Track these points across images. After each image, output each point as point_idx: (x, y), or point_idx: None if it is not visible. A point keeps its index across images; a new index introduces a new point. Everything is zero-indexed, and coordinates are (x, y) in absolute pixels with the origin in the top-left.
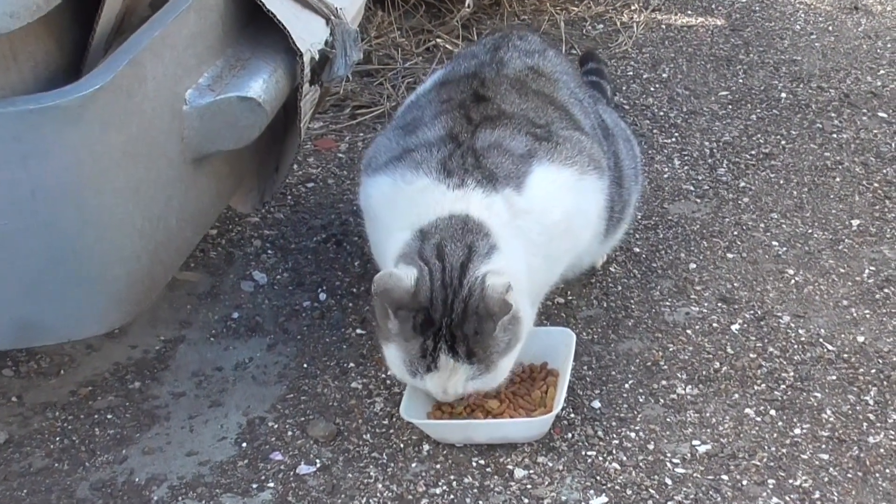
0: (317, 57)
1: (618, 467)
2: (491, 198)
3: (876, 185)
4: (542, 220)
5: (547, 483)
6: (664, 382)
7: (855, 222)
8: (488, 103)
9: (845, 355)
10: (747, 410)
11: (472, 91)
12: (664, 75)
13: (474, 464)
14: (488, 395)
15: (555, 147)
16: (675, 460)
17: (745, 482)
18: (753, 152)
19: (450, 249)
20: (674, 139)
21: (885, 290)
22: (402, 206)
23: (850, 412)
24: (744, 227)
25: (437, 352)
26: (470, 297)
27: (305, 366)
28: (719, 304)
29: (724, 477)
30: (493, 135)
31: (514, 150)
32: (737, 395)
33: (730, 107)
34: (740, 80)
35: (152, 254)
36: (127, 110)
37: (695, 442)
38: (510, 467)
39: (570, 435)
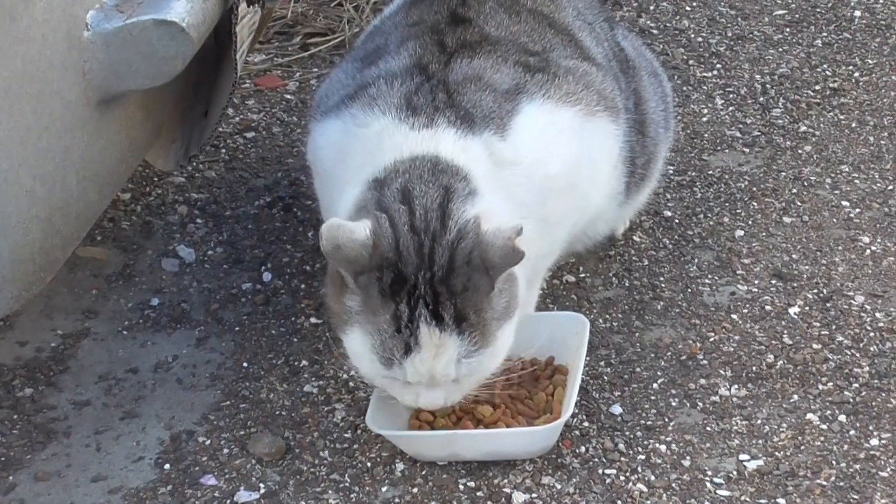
0: None
1: (644, 489)
2: (467, 140)
3: None
4: (533, 174)
5: None
6: (703, 381)
7: None
8: (468, 26)
9: None
10: (810, 416)
11: (449, 11)
12: None
13: (461, 487)
14: (478, 399)
15: (552, 80)
16: (717, 480)
17: None
18: (818, 88)
19: (419, 191)
20: (715, 72)
21: None
22: (354, 157)
23: None
24: (805, 184)
25: (417, 320)
26: (459, 240)
27: (245, 365)
28: (773, 282)
29: (781, 501)
30: (471, 65)
31: (498, 84)
32: (796, 397)
33: (787, 30)
34: None
35: (46, 222)
36: (9, 38)
37: (743, 456)
38: (507, 490)
39: (583, 448)
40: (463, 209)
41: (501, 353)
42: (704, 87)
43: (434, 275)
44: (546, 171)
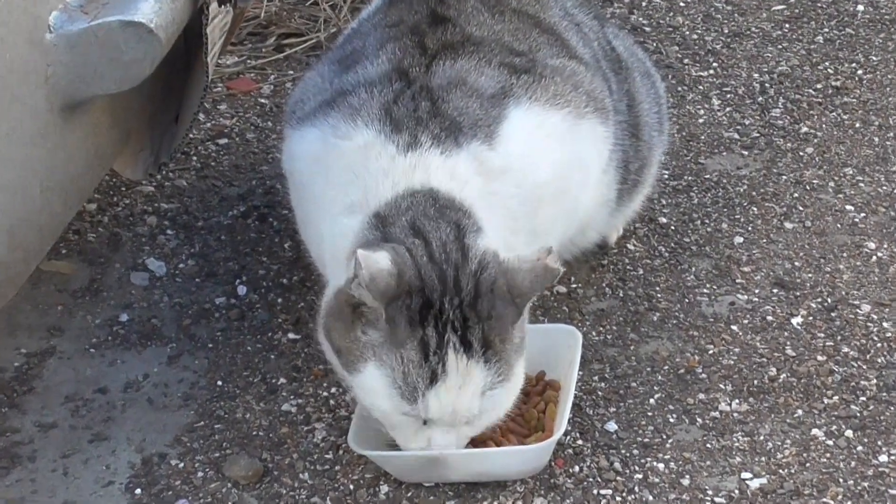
0: None
1: None
2: (453, 159)
3: None
4: (524, 183)
5: None
6: (702, 396)
7: None
8: (449, 25)
9: None
10: (815, 431)
11: (429, 10)
12: None
13: None
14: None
15: (538, 81)
16: (718, 499)
17: None
18: (819, 86)
19: (430, 227)
20: (712, 71)
21: None
22: (337, 172)
23: None
24: (807, 188)
25: (445, 346)
26: (482, 270)
27: (220, 383)
28: (775, 291)
29: None
30: (454, 68)
31: (483, 87)
32: (800, 412)
33: (787, 25)
34: None
35: (7, 235)
36: None
37: (745, 475)
38: None
39: (577, 468)
40: (477, 241)
41: (517, 389)
42: (700, 87)
43: (462, 300)
44: (536, 178)
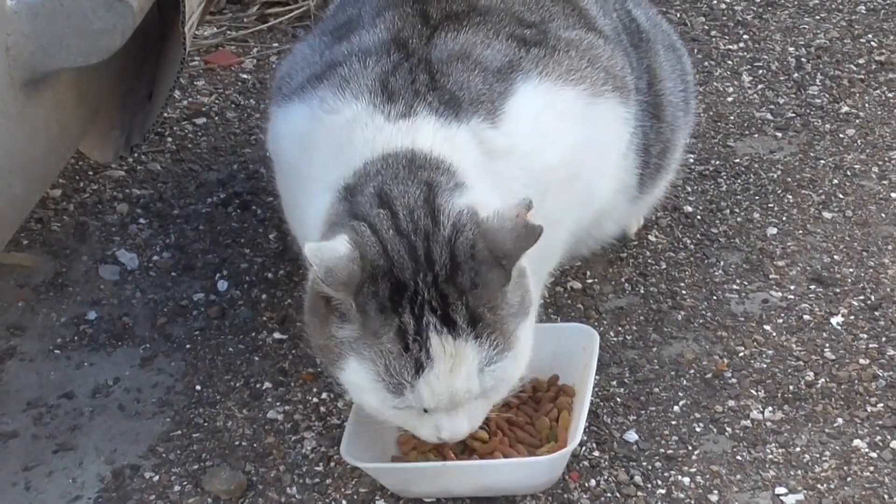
0: None
1: None
2: (451, 129)
3: None
4: (531, 166)
5: None
6: (732, 403)
7: None
8: None
9: None
10: (857, 442)
11: None
12: None
13: None
14: None
15: (550, 55)
16: None
17: None
18: (861, 61)
19: (398, 192)
20: (742, 44)
21: None
22: (322, 149)
23: None
24: (848, 173)
25: (425, 331)
26: (457, 234)
27: (199, 388)
28: (812, 287)
29: None
30: (458, 39)
31: (489, 61)
32: (840, 421)
33: None
34: None
35: None
36: None
37: (779, 490)
38: None
39: (593, 482)
40: (451, 201)
41: (524, 356)
42: (729, 62)
43: (437, 275)
44: (545, 160)
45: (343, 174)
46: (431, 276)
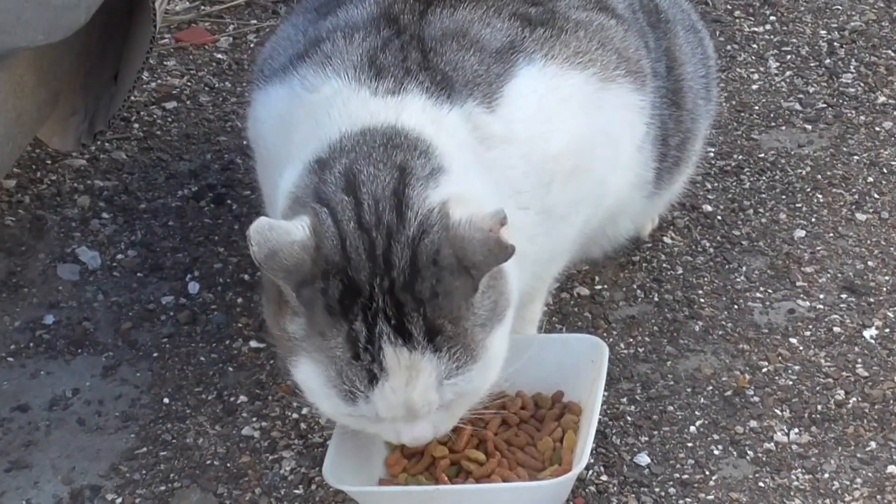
0: None
1: None
2: (441, 110)
3: None
4: (532, 154)
5: None
6: (754, 424)
7: None
8: None
9: None
10: (891, 469)
11: None
12: None
13: None
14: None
15: (557, 36)
16: None
17: None
18: None
19: (366, 175)
20: (769, 27)
21: None
22: (301, 128)
23: None
24: (884, 171)
25: (378, 341)
26: (422, 235)
27: (167, 401)
28: (844, 296)
29: None
30: (454, 16)
31: (488, 41)
32: (873, 444)
33: None
34: None
35: None
36: None
37: None
38: None
39: None
40: (424, 194)
41: (494, 365)
42: (754, 46)
43: (394, 281)
44: (547, 148)
45: (317, 147)
46: (388, 281)
